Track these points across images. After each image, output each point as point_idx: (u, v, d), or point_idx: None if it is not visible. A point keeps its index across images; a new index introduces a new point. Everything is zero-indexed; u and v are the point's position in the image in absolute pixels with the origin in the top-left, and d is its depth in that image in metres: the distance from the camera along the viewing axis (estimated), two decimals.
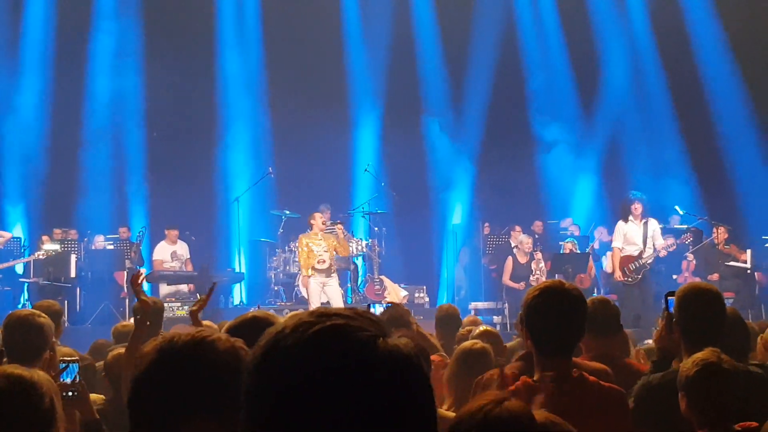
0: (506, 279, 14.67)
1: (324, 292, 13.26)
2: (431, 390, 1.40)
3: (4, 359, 4.26)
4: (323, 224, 13.66)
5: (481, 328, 6.16)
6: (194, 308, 4.89)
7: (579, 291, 3.48)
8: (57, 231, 15.10)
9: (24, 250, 14.81)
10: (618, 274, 13.07)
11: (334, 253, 13.45)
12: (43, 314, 4.51)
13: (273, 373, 1.35)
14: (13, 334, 4.31)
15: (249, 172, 17.22)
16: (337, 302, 13.12)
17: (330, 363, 1.32)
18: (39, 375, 2.67)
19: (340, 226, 13.79)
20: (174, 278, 14.66)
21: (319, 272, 13.31)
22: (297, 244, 13.82)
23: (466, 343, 5.02)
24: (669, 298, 4.01)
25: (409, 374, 1.36)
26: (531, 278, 14.23)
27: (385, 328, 1.40)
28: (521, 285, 14.13)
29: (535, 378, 3.38)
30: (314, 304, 12.61)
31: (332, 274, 13.48)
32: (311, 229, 13.56)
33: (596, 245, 15.89)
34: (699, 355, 3.42)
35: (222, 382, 1.97)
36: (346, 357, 1.33)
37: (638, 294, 12.90)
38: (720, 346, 3.56)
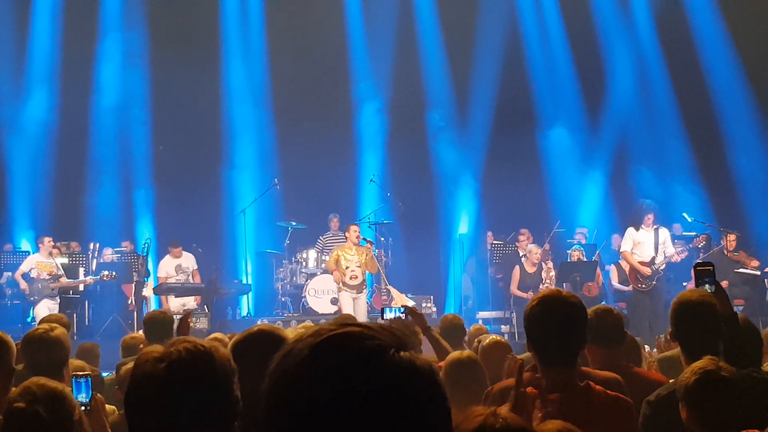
0: (514, 288, 14.57)
1: (354, 307, 13.28)
2: (443, 407, 1.35)
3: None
4: (357, 238, 13.73)
5: (492, 337, 6.03)
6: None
7: (577, 299, 3.48)
8: (58, 244, 15.09)
9: None
10: (645, 271, 12.91)
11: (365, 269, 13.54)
12: (57, 325, 4.57)
13: (288, 375, 1.34)
14: (35, 354, 4.36)
15: (255, 183, 17.26)
16: (363, 318, 13.08)
17: (338, 369, 1.30)
18: (66, 388, 2.81)
19: (370, 244, 13.85)
20: (182, 290, 14.65)
21: (351, 288, 13.42)
22: (329, 255, 13.99)
23: (454, 353, 4.86)
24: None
25: (418, 388, 1.32)
26: (541, 287, 14.10)
27: (403, 341, 1.36)
28: (529, 294, 13.97)
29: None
30: None
31: (363, 290, 13.60)
32: (345, 242, 13.87)
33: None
34: (697, 364, 3.40)
35: (222, 390, 2.01)
36: (352, 363, 1.30)
37: (649, 302, 12.81)
38: (732, 354, 3.54)
